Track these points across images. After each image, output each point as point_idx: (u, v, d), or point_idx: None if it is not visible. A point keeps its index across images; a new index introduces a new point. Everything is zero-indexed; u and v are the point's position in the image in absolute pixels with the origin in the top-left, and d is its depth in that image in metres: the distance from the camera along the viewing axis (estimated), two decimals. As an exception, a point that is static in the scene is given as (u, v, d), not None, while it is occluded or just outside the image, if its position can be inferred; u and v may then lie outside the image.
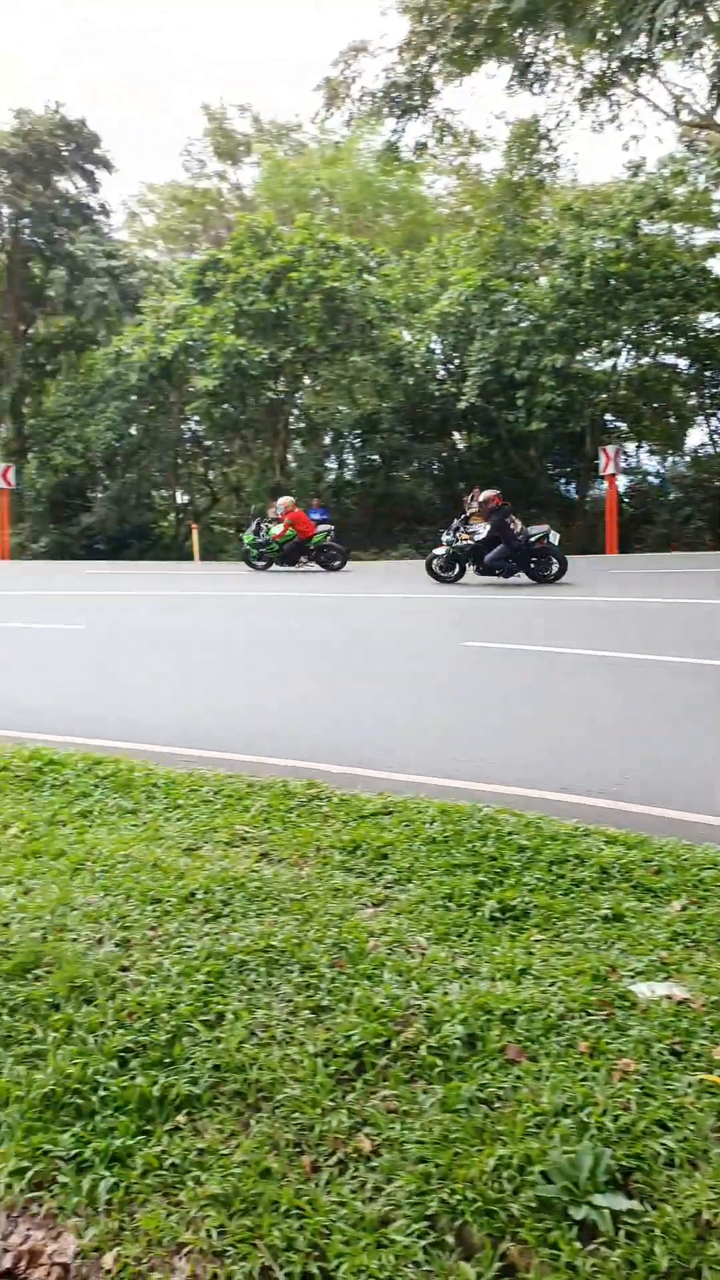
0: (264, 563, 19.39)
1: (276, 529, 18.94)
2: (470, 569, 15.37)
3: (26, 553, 30.23)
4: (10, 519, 28.63)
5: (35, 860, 3.74)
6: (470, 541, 15.18)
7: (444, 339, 29.22)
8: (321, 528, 19.34)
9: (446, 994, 2.73)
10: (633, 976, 2.80)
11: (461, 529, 15.43)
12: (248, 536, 19.70)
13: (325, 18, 61.44)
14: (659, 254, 25.76)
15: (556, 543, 14.89)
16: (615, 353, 28.00)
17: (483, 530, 15.09)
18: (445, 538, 15.73)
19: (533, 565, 14.86)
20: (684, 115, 21.96)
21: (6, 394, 32.26)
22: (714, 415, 29.69)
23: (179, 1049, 2.55)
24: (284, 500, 19.60)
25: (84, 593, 16.38)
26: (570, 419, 26.96)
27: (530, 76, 21.40)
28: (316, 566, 19.04)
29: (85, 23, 65.58)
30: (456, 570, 15.58)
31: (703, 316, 26.92)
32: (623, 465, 27.37)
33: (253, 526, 19.81)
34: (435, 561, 15.75)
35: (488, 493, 15.41)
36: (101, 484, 32.15)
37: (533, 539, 14.81)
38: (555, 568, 14.83)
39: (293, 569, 19.10)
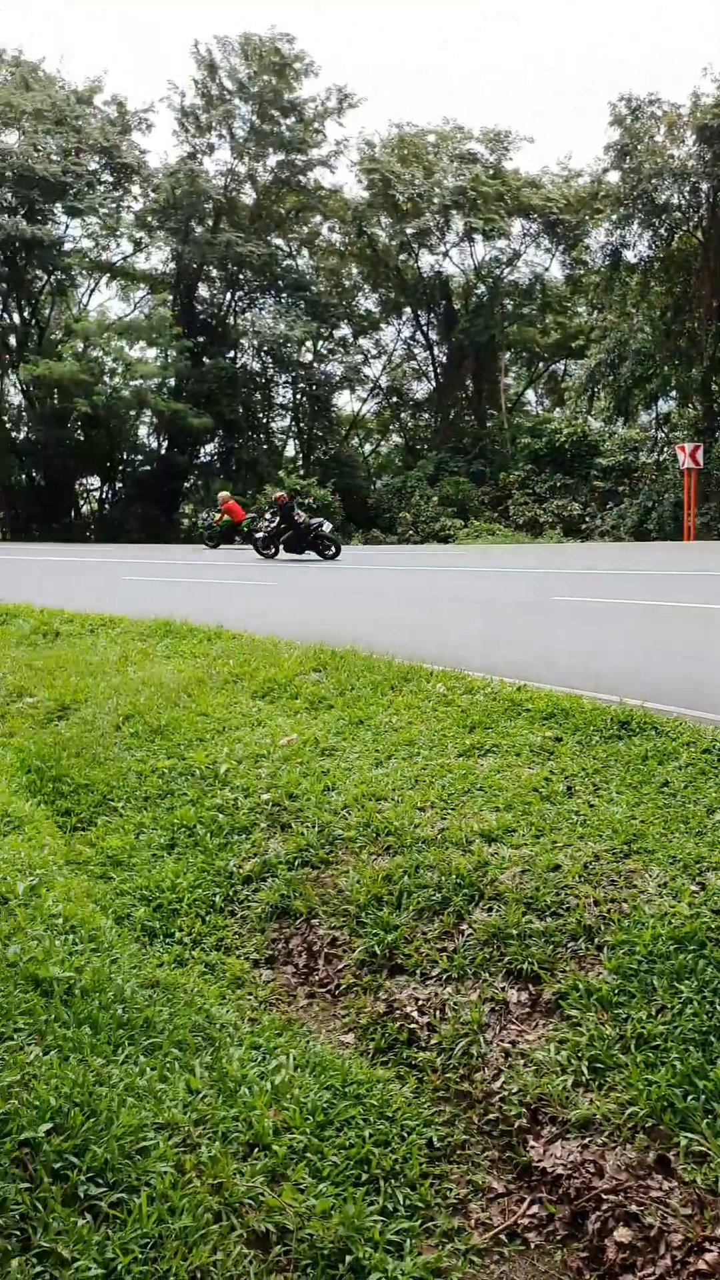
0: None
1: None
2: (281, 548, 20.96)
3: (713, 533, 29.12)
4: (697, 499, 28.00)
5: None
6: (271, 528, 21.09)
7: None
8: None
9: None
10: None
11: (264, 519, 21.86)
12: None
13: None
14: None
15: (328, 531, 21.38)
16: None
17: (275, 521, 21.07)
18: (259, 524, 22.22)
19: (319, 546, 20.55)
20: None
21: (698, 373, 32.07)
22: None
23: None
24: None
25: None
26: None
27: None
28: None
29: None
30: (273, 549, 21.11)
31: None
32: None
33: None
34: (258, 542, 21.50)
35: (277, 493, 22.18)
36: None
37: (314, 527, 20.66)
38: (333, 550, 20.68)
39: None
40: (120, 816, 5.29)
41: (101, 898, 4.31)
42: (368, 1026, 3.41)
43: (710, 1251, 2.30)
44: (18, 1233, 1.94)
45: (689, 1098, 2.65)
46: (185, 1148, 2.41)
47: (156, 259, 44.12)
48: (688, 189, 31.44)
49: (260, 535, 21.62)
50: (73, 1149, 2.21)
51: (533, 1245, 2.51)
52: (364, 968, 3.68)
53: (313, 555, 20.62)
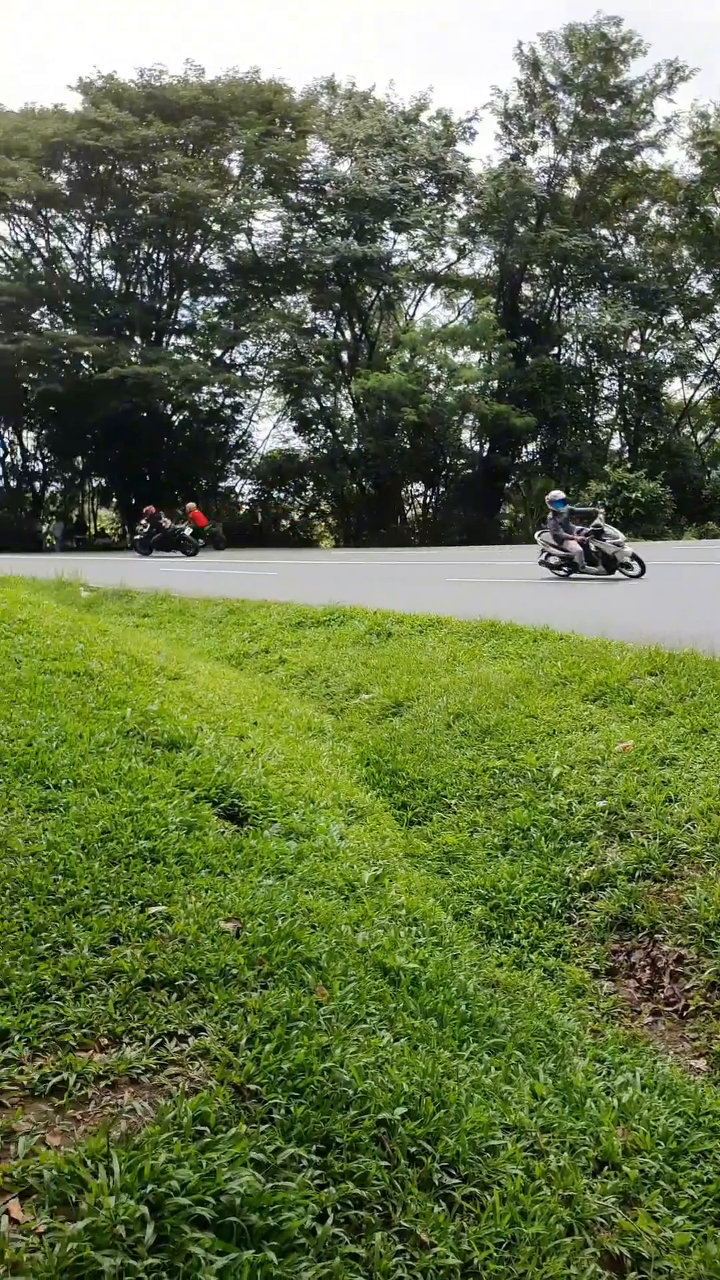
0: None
1: None
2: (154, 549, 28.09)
3: None
4: None
5: None
6: (145, 532, 28.43)
7: None
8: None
9: None
10: None
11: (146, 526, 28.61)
12: None
13: None
14: None
15: (189, 534, 28.16)
16: None
17: (149, 526, 28.34)
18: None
19: (182, 547, 27.82)
20: None
21: None
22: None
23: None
24: None
25: None
26: None
27: None
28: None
29: None
30: (148, 550, 28.09)
31: None
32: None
33: None
34: (139, 548, 28.60)
35: (147, 507, 29.31)
36: None
37: (178, 531, 28.10)
38: (192, 550, 27.84)
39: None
40: (454, 814, 5.41)
41: (440, 892, 4.42)
42: (721, 1054, 3.20)
43: None
44: (379, 1208, 2.03)
45: None
46: (533, 1153, 2.40)
47: (479, 263, 44.83)
48: None
49: (137, 539, 28.90)
50: (426, 1136, 2.28)
51: None
52: (715, 991, 3.46)
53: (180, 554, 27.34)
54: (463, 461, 44.64)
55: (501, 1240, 2.08)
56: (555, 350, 43.42)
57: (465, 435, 44.01)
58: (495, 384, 40.49)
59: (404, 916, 3.61)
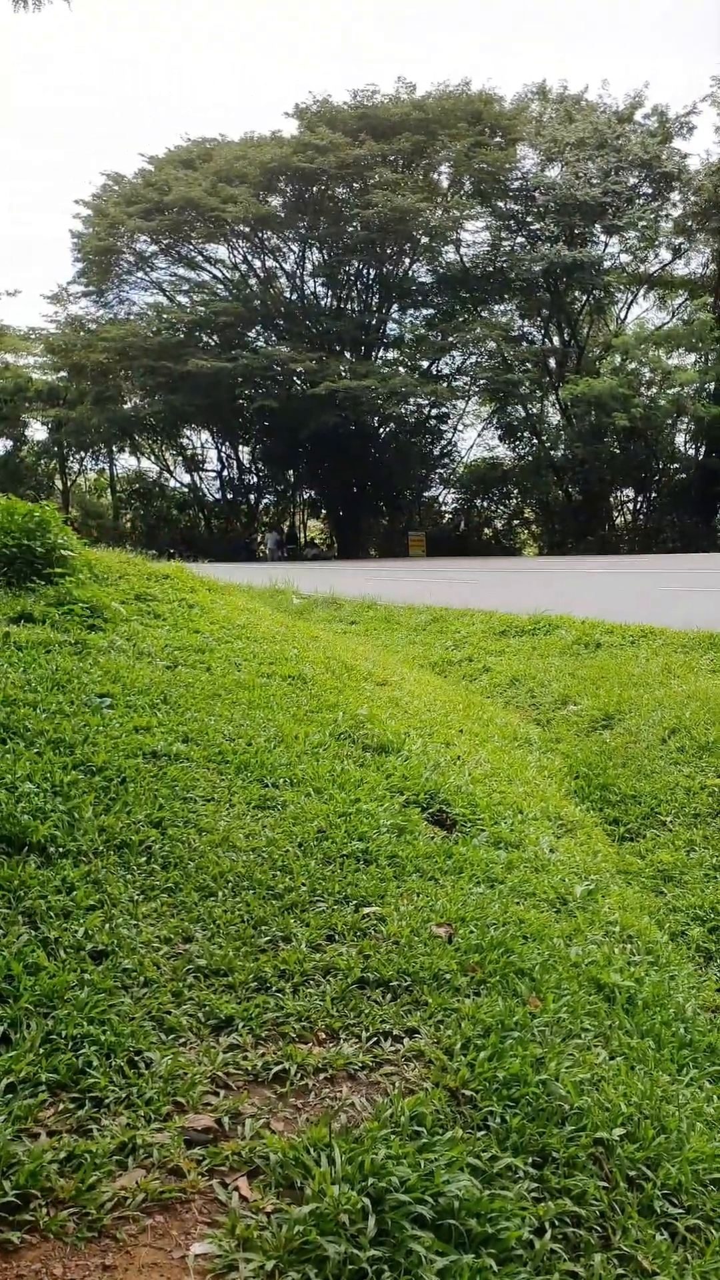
0: None
1: None
2: None
3: None
4: None
5: None
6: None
7: None
8: None
9: None
10: None
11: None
12: None
13: None
14: None
15: None
16: None
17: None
18: None
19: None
20: None
21: None
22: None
23: None
24: None
25: None
26: None
27: None
28: None
29: None
30: None
31: None
32: None
33: None
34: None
35: None
36: None
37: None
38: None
39: None
40: (669, 831, 5.19)
41: (654, 911, 4.26)
42: None
43: None
44: (598, 1229, 1.98)
45: None
46: (762, 1193, 2.26)
47: (696, 263, 42.91)
48: None
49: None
50: (645, 1160, 2.20)
51: None
52: None
53: None
54: (676, 466, 42.82)
55: (729, 1281, 1.98)
56: (781, 347, 40.84)
57: (680, 439, 42.23)
58: (713, 386, 38.57)
59: (618, 933, 3.51)
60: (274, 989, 2.56)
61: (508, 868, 3.70)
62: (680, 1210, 2.11)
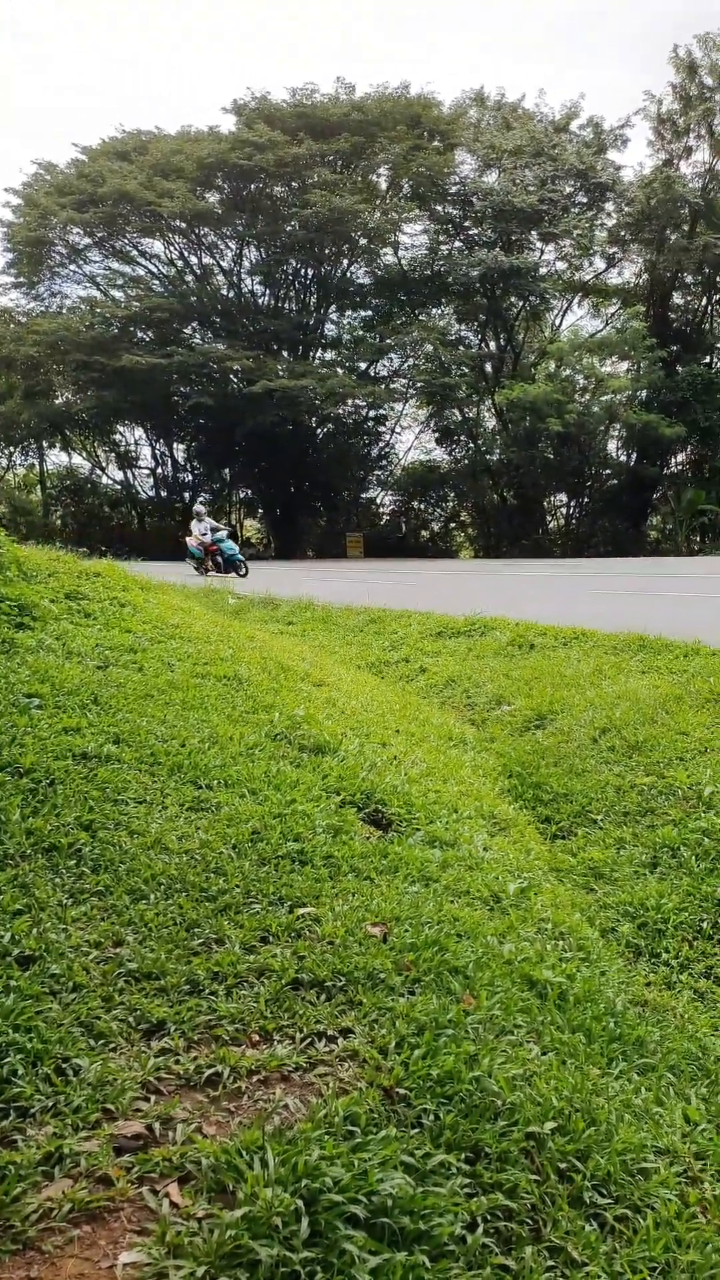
0: None
1: None
2: None
3: None
4: None
5: None
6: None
7: None
8: None
9: None
10: None
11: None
12: None
13: None
14: None
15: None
16: None
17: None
18: None
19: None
20: None
21: None
22: None
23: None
24: None
25: None
26: None
27: None
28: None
29: None
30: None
31: None
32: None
33: None
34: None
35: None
36: None
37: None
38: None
39: None
40: (600, 829, 5.28)
41: (585, 908, 4.32)
42: None
43: None
44: (529, 1221, 2.00)
45: None
46: (687, 1179, 2.31)
47: (629, 272, 43.92)
48: None
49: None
50: (576, 1153, 2.23)
51: None
52: None
53: None
54: (608, 472, 43.71)
55: (655, 1265, 2.01)
56: (707, 359, 41.97)
57: (612, 445, 43.16)
58: (644, 393, 39.47)
59: (550, 930, 3.55)
60: (207, 992, 2.53)
61: (443, 866, 3.72)
62: (609, 1200, 2.15)
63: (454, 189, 41.13)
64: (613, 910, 4.34)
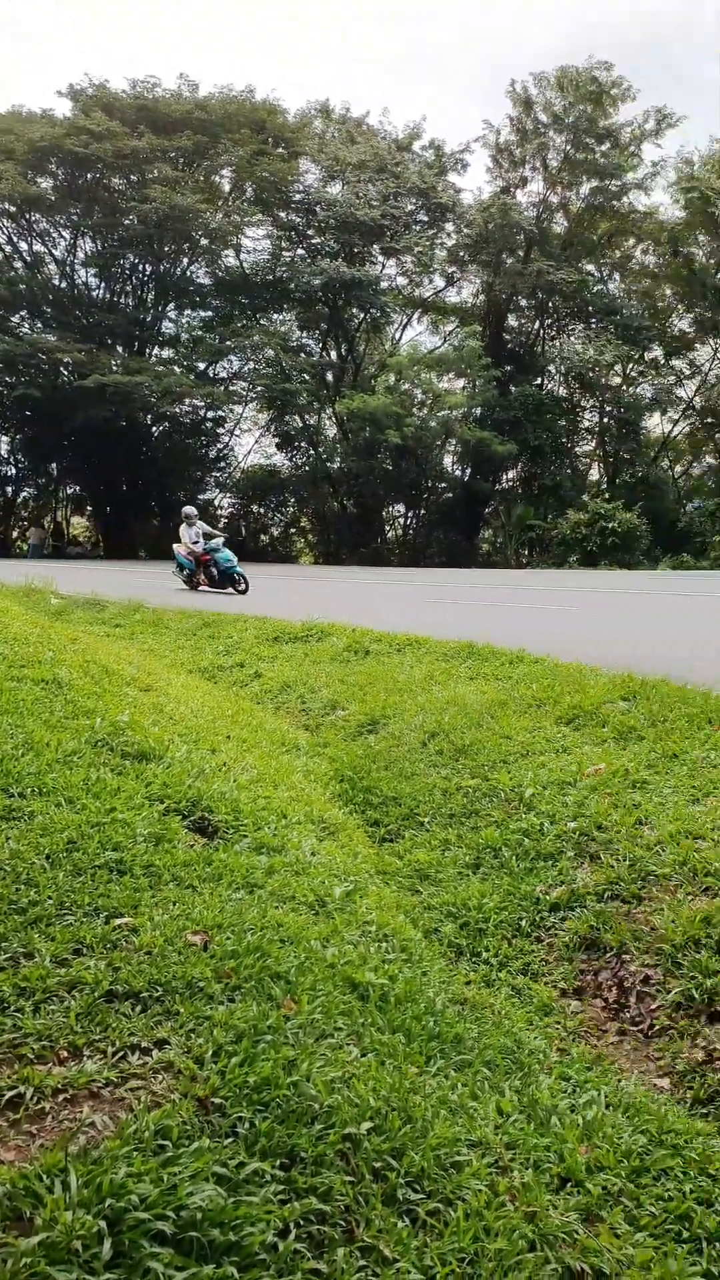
0: None
1: None
2: None
3: None
4: None
5: None
6: None
7: None
8: None
9: None
10: None
11: None
12: None
13: None
14: None
15: None
16: None
17: None
18: None
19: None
20: None
21: None
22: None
23: None
24: None
25: None
26: None
27: None
28: None
29: None
30: None
31: None
32: None
33: None
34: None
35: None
36: None
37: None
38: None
39: None
40: (426, 831, 5.39)
41: (410, 910, 4.40)
42: (684, 1073, 3.20)
43: None
44: (342, 1223, 2.00)
45: None
46: (498, 1170, 2.38)
47: (467, 292, 45.38)
48: None
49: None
50: (391, 1151, 2.25)
51: None
52: (680, 1011, 3.46)
53: None
54: (444, 485, 44.93)
55: (464, 1256, 2.06)
56: (538, 380, 43.92)
57: (447, 460, 44.36)
58: (478, 410, 40.82)
59: (374, 933, 3.59)
60: (12, 1008, 2.40)
61: (268, 872, 3.69)
62: (422, 1196, 2.18)
63: (298, 197, 41.30)
64: (437, 911, 4.44)
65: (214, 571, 18.87)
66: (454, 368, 40.90)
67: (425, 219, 41.77)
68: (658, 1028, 3.47)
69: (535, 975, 3.93)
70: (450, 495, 44.45)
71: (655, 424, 46.37)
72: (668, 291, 43.90)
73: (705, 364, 44.65)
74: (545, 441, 41.52)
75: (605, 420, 44.50)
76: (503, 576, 28.63)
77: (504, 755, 6.13)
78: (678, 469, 47.83)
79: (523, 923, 4.27)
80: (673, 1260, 2.25)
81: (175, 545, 20.08)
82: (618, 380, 44.16)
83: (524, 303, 44.45)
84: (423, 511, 45.10)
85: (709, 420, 45.31)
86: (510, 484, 45.21)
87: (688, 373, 44.90)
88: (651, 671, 7.36)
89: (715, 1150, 2.76)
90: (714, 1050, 3.25)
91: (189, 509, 20.32)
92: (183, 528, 19.82)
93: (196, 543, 19.34)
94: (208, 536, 19.53)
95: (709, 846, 4.32)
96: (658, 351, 43.98)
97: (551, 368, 44.19)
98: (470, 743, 6.42)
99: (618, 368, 43.21)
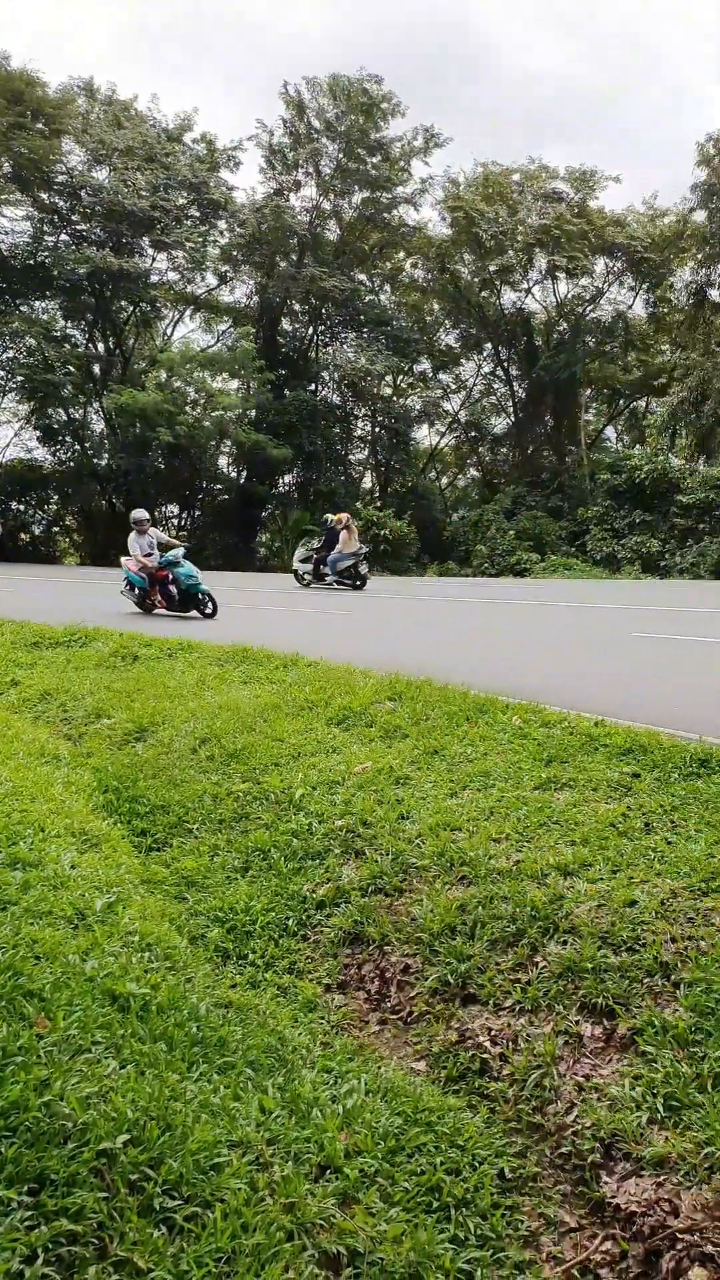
0: None
1: None
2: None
3: None
4: None
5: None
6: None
7: None
8: None
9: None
10: None
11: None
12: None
13: None
14: None
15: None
16: None
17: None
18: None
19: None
20: None
21: None
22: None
23: None
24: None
25: None
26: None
27: None
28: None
29: None
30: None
31: None
32: None
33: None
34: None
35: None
36: None
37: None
38: None
39: None
40: (195, 838, 5.36)
41: (176, 917, 4.36)
42: (439, 1055, 3.39)
43: None
44: (95, 1241, 1.97)
45: (771, 1142, 2.58)
46: (258, 1166, 2.42)
47: (240, 292, 45.27)
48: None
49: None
50: (148, 1161, 2.24)
51: (605, 1285, 2.46)
52: (436, 996, 3.65)
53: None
54: (219, 487, 44.64)
55: (221, 1255, 2.08)
56: (313, 386, 44.60)
57: (223, 461, 44.11)
58: (253, 413, 40.90)
59: (137, 943, 3.54)
60: None
61: (23, 888, 3.55)
62: (179, 1202, 2.18)
63: (60, 178, 39.47)
64: (204, 917, 4.43)
65: (172, 590, 15.30)
66: (228, 368, 40.73)
67: (197, 214, 41.24)
68: (416, 1014, 3.65)
69: (301, 973, 4.02)
70: (226, 497, 44.24)
71: (424, 435, 48.50)
72: (435, 306, 45.86)
73: (470, 379, 47.15)
74: (320, 448, 42.28)
75: (377, 430, 45.88)
76: (281, 581, 28.88)
77: (275, 758, 6.20)
78: (444, 480, 50.19)
79: (290, 922, 4.35)
80: (422, 1230, 2.38)
81: (124, 559, 16.06)
82: (389, 391, 45.67)
83: (298, 307, 44.99)
84: (198, 513, 44.61)
85: (473, 434, 47.87)
86: (287, 489, 45.62)
87: (454, 387, 47.23)
88: (418, 672, 7.70)
89: (465, 1123, 2.94)
90: (467, 1030, 3.46)
91: (139, 513, 16.08)
92: (131, 537, 15.80)
93: (150, 554, 15.55)
94: (164, 548, 15.74)
95: (465, 837, 4.58)
96: (426, 365, 45.92)
97: (325, 374, 45.03)
98: (242, 747, 6.44)
99: (389, 378, 44.69)
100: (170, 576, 15.21)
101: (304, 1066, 3.09)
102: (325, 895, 4.48)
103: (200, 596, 14.99)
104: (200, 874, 4.89)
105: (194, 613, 14.97)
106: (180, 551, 15.47)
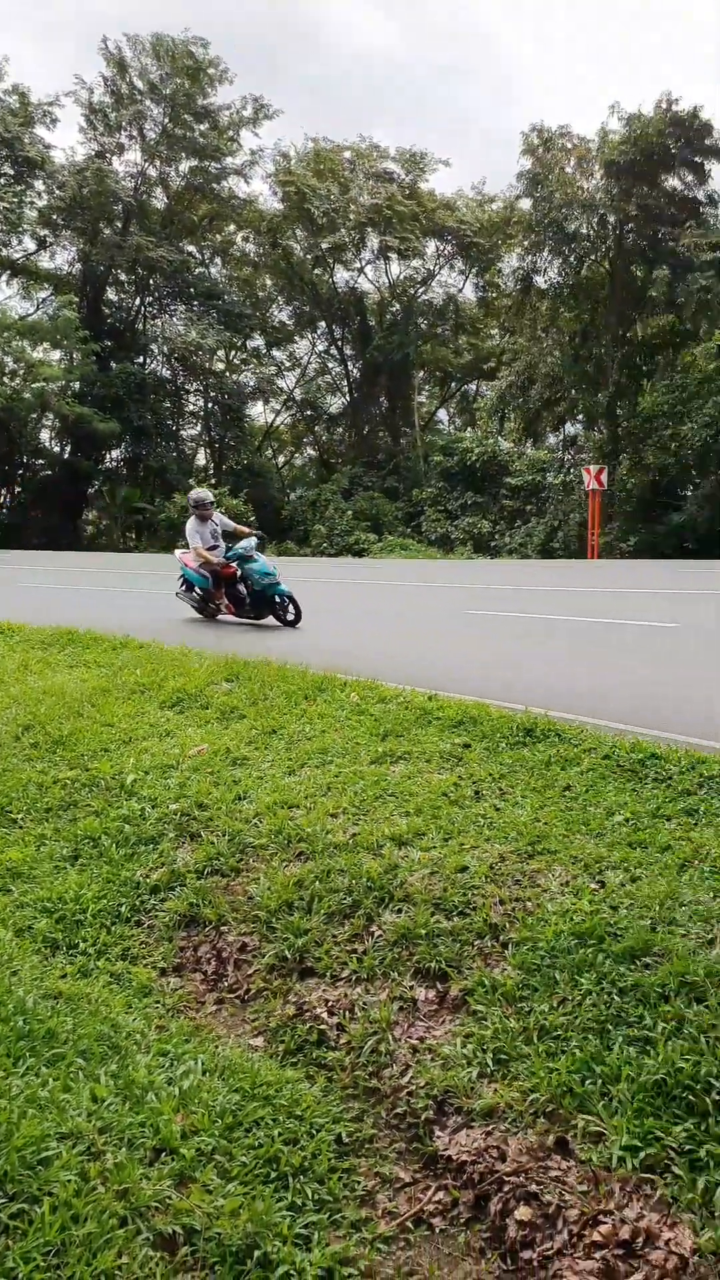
0: None
1: None
2: None
3: (615, 552, 30.22)
4: (601, 519, 29.04)
5: (640, 850, 3.91)
6: None
7: None
8: None
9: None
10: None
11: None
12: None
13: None
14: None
15: None
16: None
17: None
18: None
19: None
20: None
21: (603, 397, 32.72)
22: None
23: None
24: None
25: (677, 591, 15.23)
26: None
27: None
28: None
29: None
30: None
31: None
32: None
33: None
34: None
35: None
36: (693, 482, 32.00)
37: None
38: None
39: None
40: (20, 828, 5.16)
41: (0, 911, 4.20)
42: (277, 1029, 3.42)
43: (604, 1224, 2.39)
44: None
45: (587, 1083, 2.75)
46: (89, 1156, 2.38)
47: (62, 259, 43.29)
48: (596, 220, 32.44)
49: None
50: (-30, 1163, 2.16)
51: (438, 1230, 2.57)
52: (274, 972, 3.68)
53: None
54: (41, 462, 42.77)
55: (50, 1248, 2.03)
56: (141, 359, 43.34)
57: (45, 435, 42.27)
58: (77, 385, 39.34)
59: (-44, 941, 3.38)
60: None
61: None
62: (5, 1200, 2.12)
63: None
64: (30, 908, 4.28)
65: (242, 591, 11.73)
66: (49, 338, 38.92)
67: (11, 173, 39.01)
68: (253, 991, 3.67)
69: (135, 959, 3.95)
70: (50, 473, 42.44)
71: (259, 413, 48.09)
72: (268, 282, 45.38)
73: (305, 357, 47.04)
74: (150, 423, 41.19)
75: (210, 406, 45.12)
76: (109, 560, 28.04)
77: (105, 743, 6.05)
78: (281, 459, 49.98)
79: (122, 909, 4.27)
80: (260, 1201, 2.41)
81: (178, 551, 12.55)
82: (221, 366, 44.96)
83: (123, 277, 43.53)
84: (18, 489, 42.60)
85: (309, 413, 47.84)
86: (115, 464, 44.24)
87: (288, 365, 46.99)
88: (256, 654, 7.67)
89: (303, 1093, 2.99)
90: (305, 1003, 3.50)
91: (200, 493, 12.53)
92: (190, 524, 12.14)
93: (214, 546, 11.97)
94: (232, 537, 12.15)
95: (302, 814, 4.62)
96: (260, 341, 45.46)
97: (154, 347, 43.86)
98: (69, 733, 6.24)
99: (221, 353, 43.98)
100: (240, 574, 11.70)
101: (139, 1052, 3.05)
102: (160, 880, 4.42)
103: (279, 600, 11.53)
104: (26, 865, 4.72)
105: (270, 619, 11.72)
106: (253, 543, 11.84)
